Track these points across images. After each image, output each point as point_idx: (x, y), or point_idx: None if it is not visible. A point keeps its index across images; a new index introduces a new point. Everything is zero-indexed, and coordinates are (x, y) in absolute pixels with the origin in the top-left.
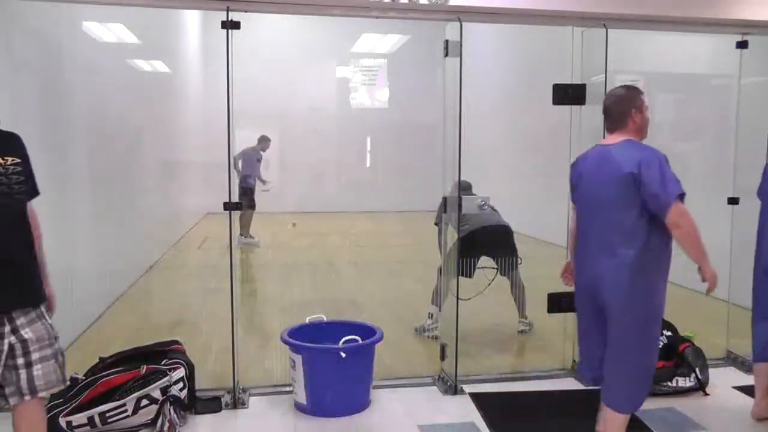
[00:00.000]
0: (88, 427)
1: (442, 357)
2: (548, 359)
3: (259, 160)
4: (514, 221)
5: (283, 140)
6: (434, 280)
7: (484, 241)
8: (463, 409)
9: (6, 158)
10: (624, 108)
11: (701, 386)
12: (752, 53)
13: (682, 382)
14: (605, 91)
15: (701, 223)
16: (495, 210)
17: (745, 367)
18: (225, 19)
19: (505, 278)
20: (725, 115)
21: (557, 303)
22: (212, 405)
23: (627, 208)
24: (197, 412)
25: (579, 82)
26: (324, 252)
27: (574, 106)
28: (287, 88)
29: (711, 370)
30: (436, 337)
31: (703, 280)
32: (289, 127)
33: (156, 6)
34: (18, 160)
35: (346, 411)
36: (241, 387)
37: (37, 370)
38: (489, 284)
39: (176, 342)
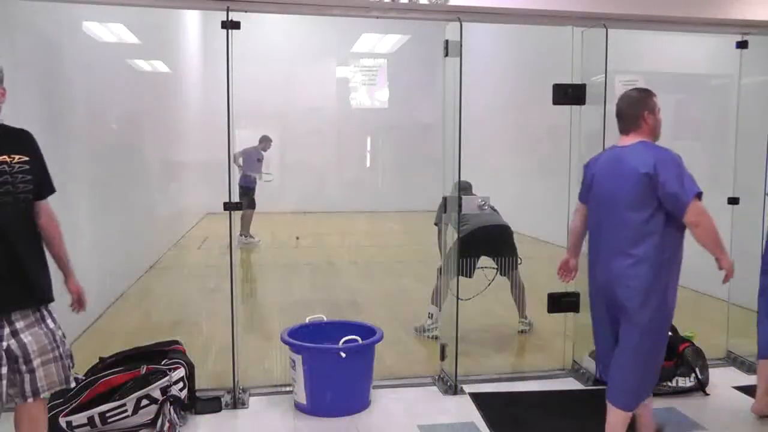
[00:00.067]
0: (88, 427)
1: (442, 357)
2: (548, 359)
3: (260, 160)
4: (514, 221)
5: (283, 140)
6: (434, 280)
7: (484, 241)
8: (463, 409)
9: (13, 156)
10: (636, 110)
11: (701, 386)
12: (752, 53)
13: (682, 382)
14: (605, 91)
15: None
16: (495, 210)
17: (745, 367)
18: (225, 19)
19: (505, 278)
20: (725, 115)
21: (557, 303)
22: (212, 405)
23: (641, 209)
24: (197, 412)
25: (579, 82)
26: (324, 252)
27: (573, 106)
28: (287, 88)
29: (711, 370)
30: (436, 337)
31: (720, 268)
32: (289, 127)
33: (156, 6)
34: (26, 158)
35: (346, 411)
36: (241, 387)
37: (40, 374)
38: (489, 284)
39: (176, 342)
